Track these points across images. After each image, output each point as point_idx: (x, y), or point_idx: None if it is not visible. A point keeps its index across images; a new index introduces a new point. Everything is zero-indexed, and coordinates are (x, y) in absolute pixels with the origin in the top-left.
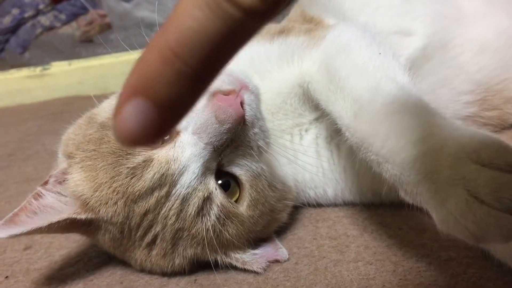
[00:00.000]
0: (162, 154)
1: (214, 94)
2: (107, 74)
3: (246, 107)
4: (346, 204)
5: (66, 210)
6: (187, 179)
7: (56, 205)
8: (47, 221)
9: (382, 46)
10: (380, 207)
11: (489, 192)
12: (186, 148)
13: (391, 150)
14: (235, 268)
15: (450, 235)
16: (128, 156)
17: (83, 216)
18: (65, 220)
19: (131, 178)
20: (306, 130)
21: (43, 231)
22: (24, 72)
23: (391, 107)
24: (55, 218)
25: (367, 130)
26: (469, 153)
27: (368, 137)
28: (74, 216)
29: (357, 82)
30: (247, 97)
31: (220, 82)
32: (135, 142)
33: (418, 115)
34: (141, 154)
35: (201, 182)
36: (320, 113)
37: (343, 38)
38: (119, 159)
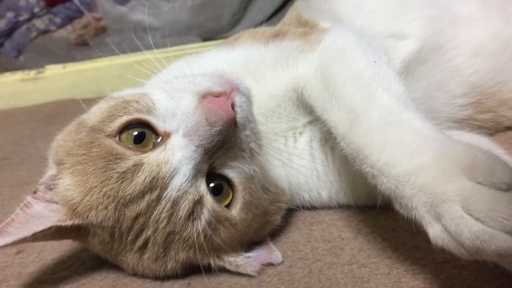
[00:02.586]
0: (153, 158)
1: (205, 96)
2: (102, 77)
3: (237, 109)
4: (341, 207)
5: (51, 218)
6: (178, 182)
7: (43, 213)
8: (31, 231)
9: (378, 53)
10: (374, 209)
11: (483, 210)
12: (177, 151)
13: (386, 163)
14: (228, 271)
15: (444, 249)
16: (118, 161)
17: (68, 223)
18: (50, 228)
19: (122, 182)
20: (300, 133)
21: (28, 240)
22: (19, 75)
23: (386, 119)
24: (39, 227)
25: (363, 142)
26: (464, 170)
27: (364, 149)
28: (58, 223)
29: (352, 92)
30: (238, 99)
31: (211, 84)
32: None
33: (414, 128)
34: (131, 158)
35: (192, 185)
36: (314, 117)
37: (338, 44)
38: (109, 164)
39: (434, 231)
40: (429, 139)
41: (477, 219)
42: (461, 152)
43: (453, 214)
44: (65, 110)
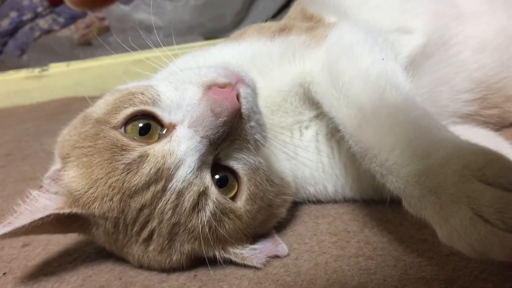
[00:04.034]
0: (158, 149)
1: (210, 87)
2: (105, 75)
3: (242, 100)
4: (346, 201)
5: (50, 206)
6: (183, 173)
7: (48, 205)
8: (30, 219)
9: (384, 49)
10: (380, 203)
11: (493, 212)
12: (182, 142)
13: (396, 163)
14: (235, 263)
15: (452, 248)
16: (124, 152)
17: (66, 211)
18: (48, 216)
19: (127, 173)
20: (306, 127)
21: (27, 228)
22: (23, 73)
23: (395, 119)
24: (37, 215)
25: (372, 141)
26: (474, 171)
27: (373, 148)
28: (56, 211)
29: (361, 90)
30: (243, 90)
31: (216, 75)
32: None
33: (423, 127)
34: (136, 149)
35: (196, 177)
36: (320, 111)
37: (345, 40)
38: (114, 155)
39: (443, 232)
40: (438, 139)
41: (486, 220)
42: (471, 153)
43: (463, 215)
44: (68, 108)
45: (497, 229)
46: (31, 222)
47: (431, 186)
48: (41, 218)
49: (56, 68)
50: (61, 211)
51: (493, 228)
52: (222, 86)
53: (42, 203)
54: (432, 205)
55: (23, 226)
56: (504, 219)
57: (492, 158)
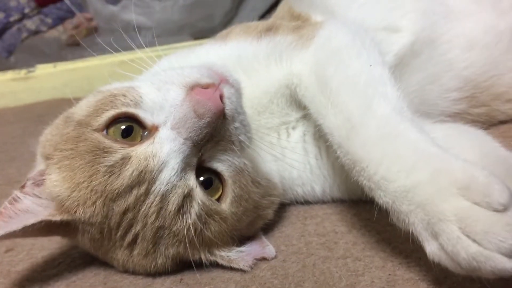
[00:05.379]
0: (141, 151)
1: (193, 87)
2: (93, 76)
3: (226, 101)
4: (334, 201)
5: (41, 212)
6: (166, 176)
7: (32, 208)
8: (21, 224)
9: (372, 53)
10: (368, 203)
11: (479, 232)
12: (165, 144)
13: (384, 178)
14: (221, 266)
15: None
16: (106, 154)
17: (58, 218)
18: (40, 222)
19: (109, 176)
20: (293, 128)
21: (18, 235)
22: (9, 75)
23: (383, 131)
24: (29, 221)
25: (360, 154)
26: (461, 189)
27: (361, 161)
28: (49, 218)
29: (348, 98)
30: (226, 91)
31: (199, 75)
32: None
33: (411, 141)
34: (118, 151)
35: (180, 179)
36: (307, 112)
37: (333, 43)
38: (96, 158)
39: (431, 248)
40: (426, 154)
41: (473, 240)
42: (458, 170)
43: (450, 234)
44: (56, 110)
45: (484, 249)
46: (23, 228)
47: (418, 202)
48: (33, 224)
49: (43, 70)
50: (53, 218)
51: (480, 248)
52: (205, 87)
53: (28, 205)
54: (420, 221)
55: (14, 232)
56: (491, 239)
57: (479, 176)
